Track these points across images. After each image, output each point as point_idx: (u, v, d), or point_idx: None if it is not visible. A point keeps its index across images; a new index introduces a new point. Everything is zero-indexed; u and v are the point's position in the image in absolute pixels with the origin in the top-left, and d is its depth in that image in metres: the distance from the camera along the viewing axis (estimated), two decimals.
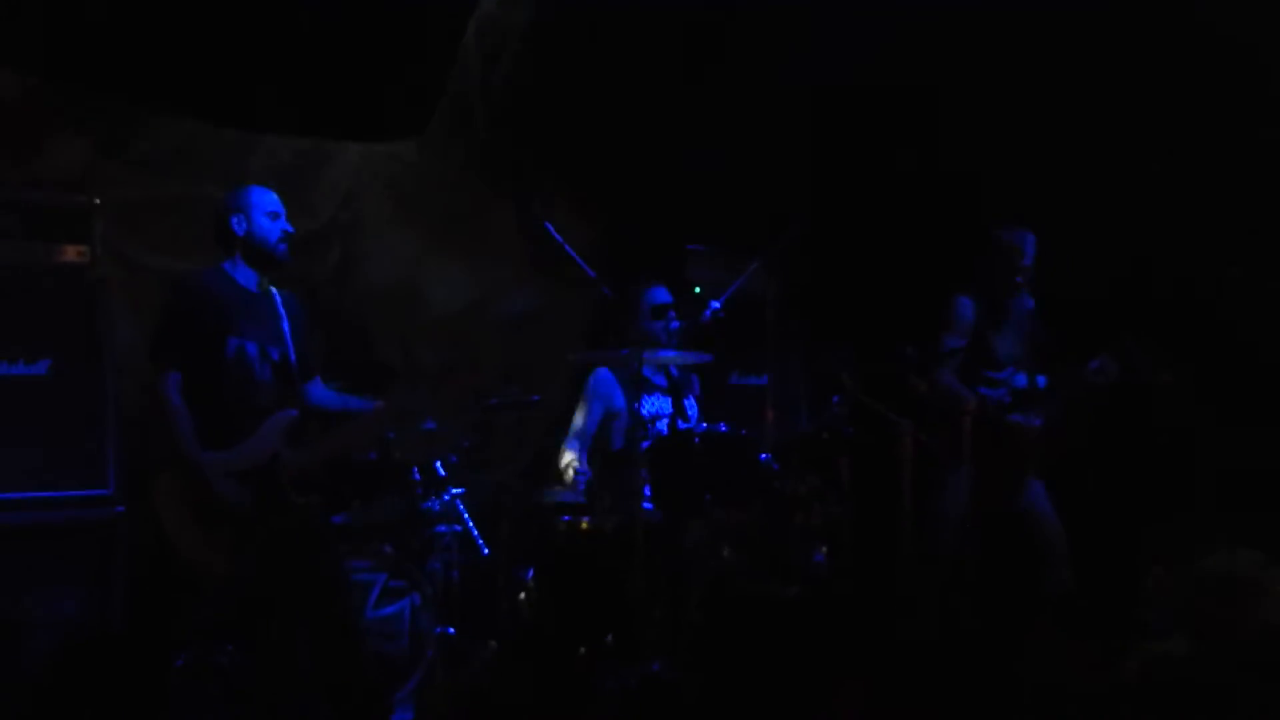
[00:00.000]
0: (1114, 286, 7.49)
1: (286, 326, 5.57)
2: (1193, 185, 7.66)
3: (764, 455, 6.61)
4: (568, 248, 6.89)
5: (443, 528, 6.71)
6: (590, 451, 7.00)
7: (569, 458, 6.86)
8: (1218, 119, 7.64)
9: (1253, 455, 7.13)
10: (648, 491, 6.38)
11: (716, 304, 7.08)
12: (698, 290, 7.37)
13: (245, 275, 5.49)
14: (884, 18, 7.89)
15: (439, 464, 6.76)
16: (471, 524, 6.73)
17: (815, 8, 7.96)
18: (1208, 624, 4.67)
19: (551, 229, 6.90)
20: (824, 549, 6.55)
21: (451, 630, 6.55)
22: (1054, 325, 7.19)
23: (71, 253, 6.13)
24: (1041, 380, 6.98)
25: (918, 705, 4.04)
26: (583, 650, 6.02)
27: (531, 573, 6.52)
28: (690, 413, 7.03)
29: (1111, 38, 7.73)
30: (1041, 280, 7.10)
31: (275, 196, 5.59)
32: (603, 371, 6.95)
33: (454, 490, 6.72)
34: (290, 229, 5.59)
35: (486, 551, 6.69)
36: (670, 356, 6.67)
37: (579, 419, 6.97)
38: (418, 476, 6.70)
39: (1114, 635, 4.90)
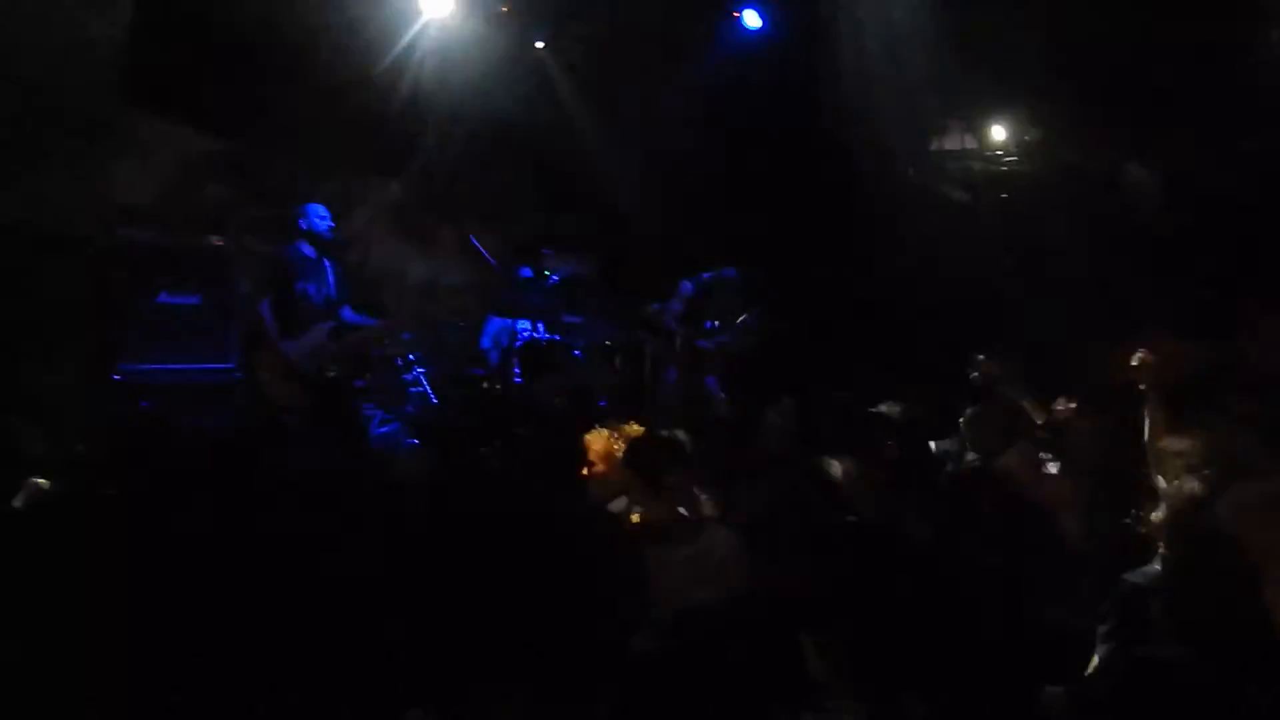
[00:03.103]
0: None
1: (331, 278, 5.53)
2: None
3: (577, 352, 6.71)
4: (482, 249, 6.95)
5: (414, 389, 6.62)
6: (493, 348, 6.97)
7: (484, 347, 6.87)
8: None
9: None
10: (518, 368, 6.47)
11: (555, 278, 7.12)
12: (547, 271, 7.29)
13: (308, 250, 5.46)
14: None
15: (412, 356, 6.67)
16: (428, 387, 6.62)
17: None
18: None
19: (474, 240, 6.95)
20: (605, 400, 6.57)
21: (416, 442, 6.31)
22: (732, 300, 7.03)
23: (215, 240, 6.09)
24: (717, 325, 6.95)
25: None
26: (483, 449, 5.98)
27: (459, 410, 6.47)
28: (540, 330, 7.00)
29: None
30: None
31: (326, 210, 5.55)
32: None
33: (419, 369, 6.63)
34: (333, 226, 5.53)
35: (435, 400, 6.62)
36: (531, 302, 6.74)
37: (486, 332, 6.93)
38: (400, 363, 6.61)
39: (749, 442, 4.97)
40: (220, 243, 6.11)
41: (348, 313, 5.67)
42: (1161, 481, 2.87)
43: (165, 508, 2.72)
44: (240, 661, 1.97)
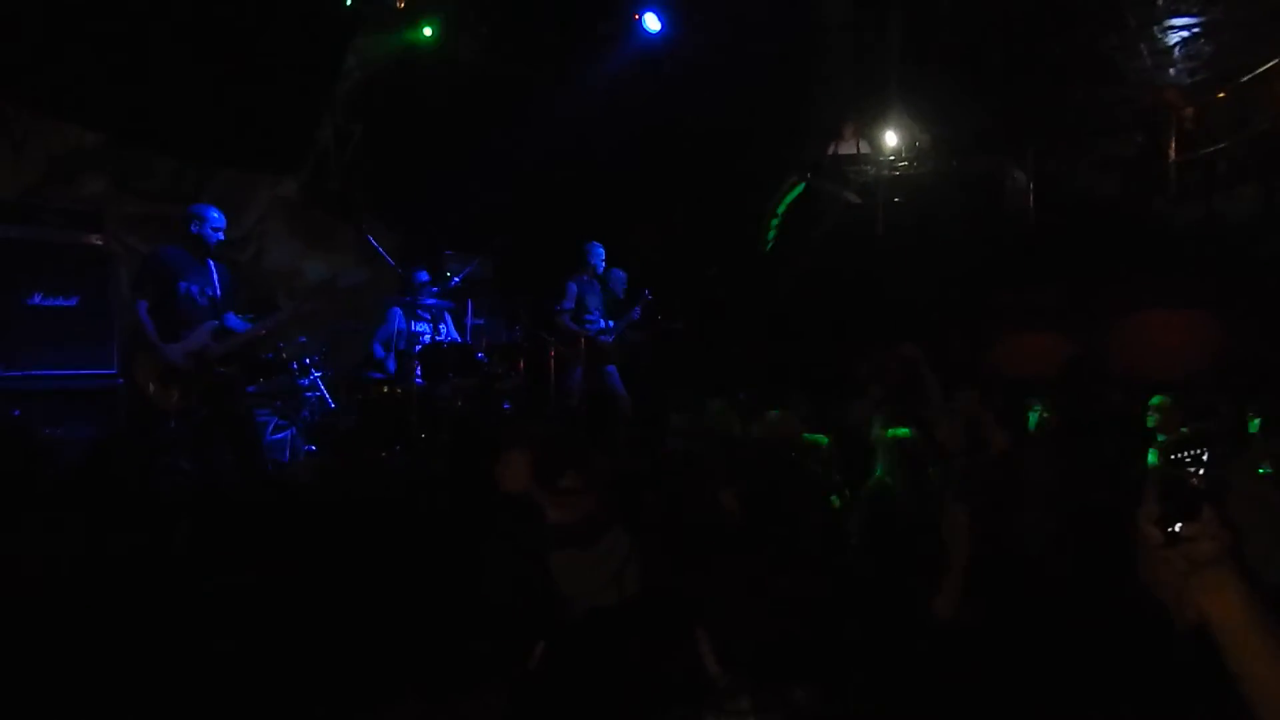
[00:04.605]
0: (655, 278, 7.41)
1: (215, 279, 5.19)
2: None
3: (480, 354, 6.53)
4: (380, 249, 6.72)
5: (309, 394, 6.40)
6: (389, 351, 6.74)
7: (379, 355, 6.62)
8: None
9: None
10: (419, 371, 6.26)
11: (456, 279, 6.97)
12: (449, 274, 7.13)
13: (191, 251, 5.10)
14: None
15: (307, 360, 6.41)
16: (325, 391, 6.40)
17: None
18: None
19: (372, 240, 6.73)
20: (509, 402, 6.56)
21: (313, 448, 6.28)
22: (626, 295, 7.21)
23: (94, 238, 5.80)
24: (611, 322, 6.97)
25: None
26: (383, 454, 5.91)
27: (358, 415, 6.30)
28: (441, 331, 6.75)
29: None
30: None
31: (219, 212, 5.20)
32: (396, 309, 6.66)
33: (315, 374, 6.39)
34: (224, 234, 5.20)
35: (333, 405, 6.40)
36: (430, 304, 6.51)
37: (384, 333, 6.66)
38: (295, 367, 6.35)
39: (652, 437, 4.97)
40: (100, 241, 5.78)
41: (231, 318, 5.33)
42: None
43: (28, 521, 2.54)
44: (109, 676, 1.86)
